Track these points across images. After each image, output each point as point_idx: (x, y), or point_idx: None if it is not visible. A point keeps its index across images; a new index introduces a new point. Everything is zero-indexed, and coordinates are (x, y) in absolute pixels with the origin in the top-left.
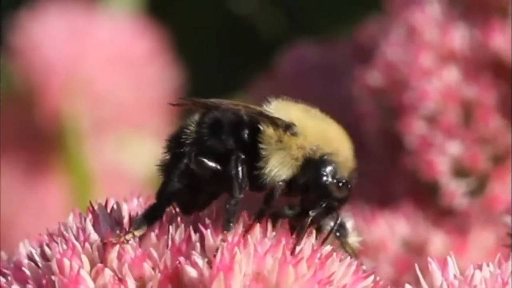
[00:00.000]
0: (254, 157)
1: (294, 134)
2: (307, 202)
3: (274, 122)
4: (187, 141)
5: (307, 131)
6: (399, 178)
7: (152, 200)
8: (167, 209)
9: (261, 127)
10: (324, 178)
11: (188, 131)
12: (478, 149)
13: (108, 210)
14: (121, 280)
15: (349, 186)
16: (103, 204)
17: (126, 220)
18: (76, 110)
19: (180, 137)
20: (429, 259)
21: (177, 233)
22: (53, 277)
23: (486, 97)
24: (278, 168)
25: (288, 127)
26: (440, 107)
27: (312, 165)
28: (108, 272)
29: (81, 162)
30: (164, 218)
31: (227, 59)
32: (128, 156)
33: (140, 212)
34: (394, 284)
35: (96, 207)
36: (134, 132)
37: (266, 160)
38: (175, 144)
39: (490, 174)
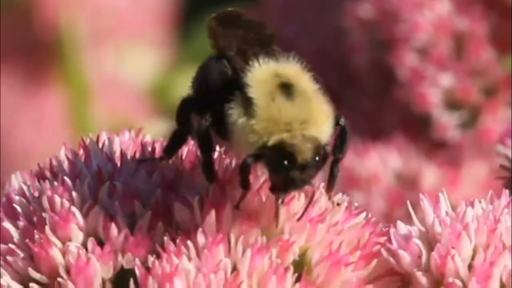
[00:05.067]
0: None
1: (250, 116)
2: (273, 181)
3: (244, 96)
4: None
5: (263, 113)
6: (391, 111)
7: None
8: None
9: (232, 98)
10: (279, 168)
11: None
12: (469, 81)
13: (100, 145)
14: (112, 218)
15: (314, 163)
16: (95, 136)
17: (117, 154)
18: (74, 20)
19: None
20: (421, 195)
21: (168, 170)
22: (43, 214)
23: (478, 29)
24: (237, 147)
25: (247, 106)
26: (432, 39)
27: (266, 153)
28: (98, 209)
29: (79, 72)
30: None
31: None
32: (128, 66)
33: (131, 147)
34: (386, 217)
35: (87, 142)
36: (133, 42)
37: (230, 135)
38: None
39: (482, 106)
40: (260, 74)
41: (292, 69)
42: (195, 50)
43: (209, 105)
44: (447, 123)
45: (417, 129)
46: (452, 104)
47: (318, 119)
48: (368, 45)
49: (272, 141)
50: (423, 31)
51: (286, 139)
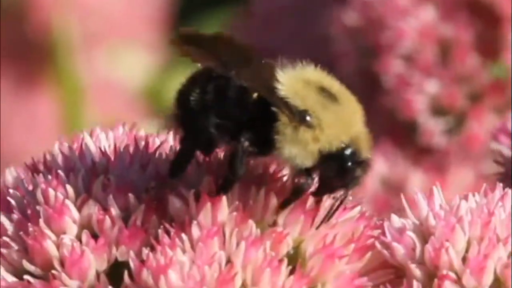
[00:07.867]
0: (265, 142)
1: (309, 126)
2: (327, 183)
3: (289, 109)
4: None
5: (323, 121)
6: (377, 117)
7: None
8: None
9: (275, 112)
10: (347, 169)
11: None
12: (455, 88)
13: (94, 139)
14: (106, 210)
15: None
16: (89, 132)
17: (111, 149)
18: (67, 22)
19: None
20: (415, 189)
21: (162, 164)
22: (38, 207)
23: (463, 35)
24: (293, 159)
25: (303, 118)
26: (417, 46)
27: (331, 158)
28: (92, 202)
29: (72, 75)
30: (149, 149)
31: None
32: (120, 68)
33: (125, 141)
34: None
35: (82, 136)
36: (126, 44)
37: (280, 151)
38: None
39: (468, 112)
40: (292, 86)
41: (313, 72)
42: None
43: (233, 126)
44: (433, 129)
45: (403, 135)
46: (438, 110)
47: (360, 113)
48: (354, 52)
49: (335, 147)
50: (408, 38)
51: (347, 141)
